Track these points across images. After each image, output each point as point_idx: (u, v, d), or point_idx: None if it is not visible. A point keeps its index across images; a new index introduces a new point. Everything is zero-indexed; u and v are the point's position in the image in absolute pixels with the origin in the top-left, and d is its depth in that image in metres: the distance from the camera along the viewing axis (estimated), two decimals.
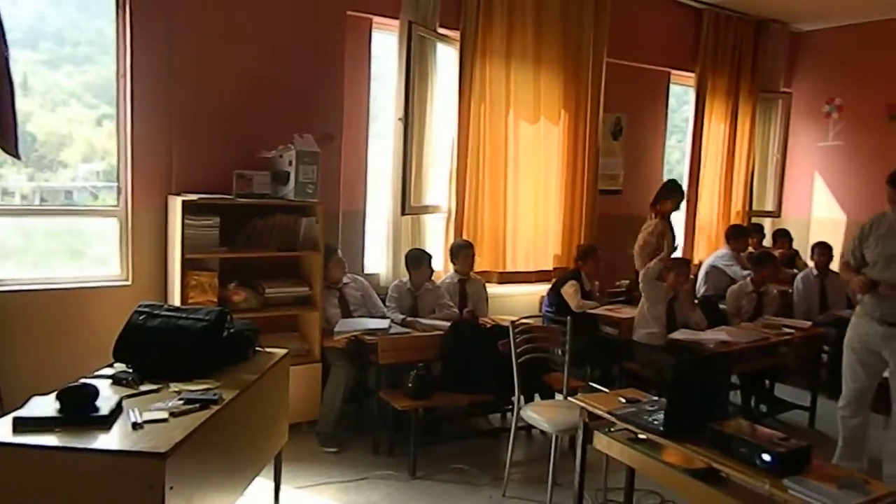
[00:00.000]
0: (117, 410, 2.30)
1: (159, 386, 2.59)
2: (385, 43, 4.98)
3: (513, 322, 3.77)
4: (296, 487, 3.58)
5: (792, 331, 4.82)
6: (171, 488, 2.05)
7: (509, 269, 5.52)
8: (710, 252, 6.54)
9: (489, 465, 3.85)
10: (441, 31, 5.03)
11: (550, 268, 5.73)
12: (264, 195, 4.15)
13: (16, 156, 3.45)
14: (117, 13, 4.02)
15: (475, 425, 4.47)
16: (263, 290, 4.18)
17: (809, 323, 5.03)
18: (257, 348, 3.14)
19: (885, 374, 3.71)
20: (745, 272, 5.56)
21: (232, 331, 2.97)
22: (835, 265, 5.48)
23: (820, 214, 6.98)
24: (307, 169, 4.12)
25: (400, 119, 4.87)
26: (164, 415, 2.30)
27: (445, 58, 5.13)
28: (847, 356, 3.80)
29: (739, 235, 6.12)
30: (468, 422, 4.46)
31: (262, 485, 3.25)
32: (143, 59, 4.02)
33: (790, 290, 5.98)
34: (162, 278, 4.16)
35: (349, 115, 4.72)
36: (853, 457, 3.73)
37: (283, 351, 3.20)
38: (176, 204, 3.92)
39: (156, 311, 2.86)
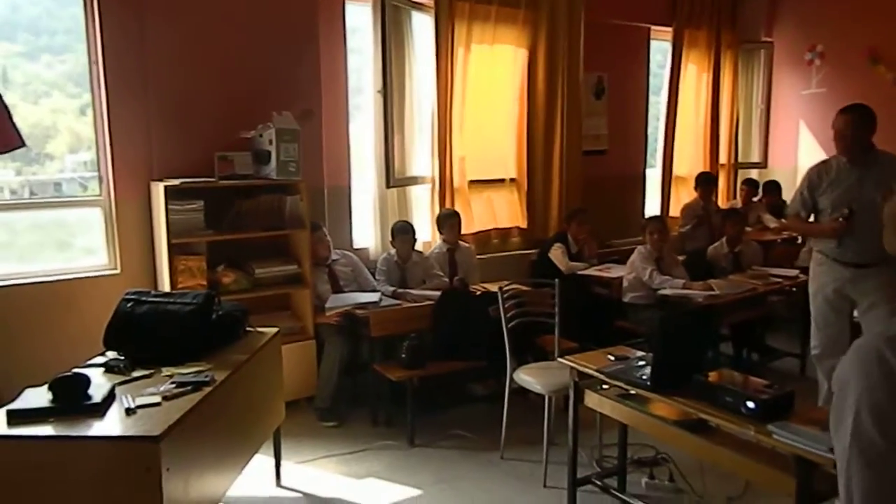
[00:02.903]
0: (110, 397, 2.33)
1: (151, 371, 2.62)
2: (360, 15, 4.92)
3: (501, 288, 3.80)
4: (297, 462, 3.63)
5: (779, 280, 4.86)
6: (168, 470, 2.08)
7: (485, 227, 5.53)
8: None
9: (486, 429, 3.91)
10: None
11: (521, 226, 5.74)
12: (247, 176, 4.14)
13: (21, 143, 3.40)
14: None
15: (472, 392, 4.52)
16: (253, 270, 4.20)
17: (797, 271, 5.07)
18: (248, 328, 3.17)
19: (855, 314, 3.75)
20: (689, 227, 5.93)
21: (221, 313, 2.99)
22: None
23: (806, 163, 6.95)
24: (288, 147, 4.10)
25: (379, 91, 4.84)
26: (157, 399, 2.33)
27: (421, 26, 5.08)
28: (815, 304, 3.82)
29: (706, 183, 6.18)
30: (464, 389, 4.51)
31: (263, 461, 3.32)
32: (114, 45, 3.97)
33: (778, 240, 6.02)
34: (150, 265, 4.17)
35: (328, 90, 4.68)
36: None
37: (274, 330, 3.23)
38: (158, 190, 3.91)
39: (143, 298, 2.88)
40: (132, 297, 2.90)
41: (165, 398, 2.35)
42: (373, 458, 3.72)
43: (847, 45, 6.44)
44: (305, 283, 4.30)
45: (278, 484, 3.40)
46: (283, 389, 3.40)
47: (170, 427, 2.13)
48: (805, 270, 5.11)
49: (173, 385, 2.45)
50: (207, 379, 2.51)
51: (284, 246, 4.40)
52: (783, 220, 6.49)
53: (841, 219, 3.54)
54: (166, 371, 2.60)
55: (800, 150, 7.04)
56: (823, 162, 3.74)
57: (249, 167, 4.16)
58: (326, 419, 4.12)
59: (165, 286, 3.93)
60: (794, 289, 4.93)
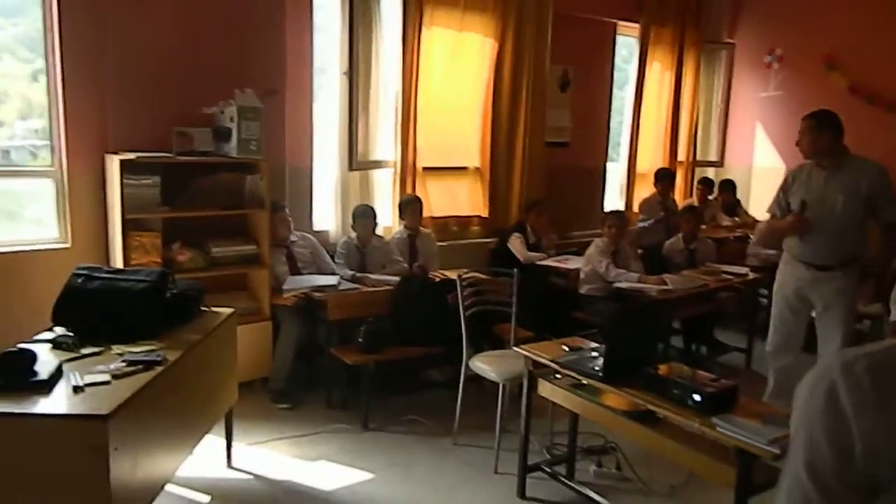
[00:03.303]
0: (57, 374, 2.27)
1: (101, 349, 2.56)
2: None
3: (460, 276, 3.82)
4: (248, 444, 3.61)
5: (730, 276, 4.99)
6: (116, 449, 2.05)
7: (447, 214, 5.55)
8: None
9: (440, 415, 3.94)
10: None
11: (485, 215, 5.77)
12: (206, 152, 4.06)
13: None
14: None
15: (428, 378, 4.54)
16: (209, 249, 4.13)
17: (747, 269, 5.21)
18: (203, 308, 3.12)
19: (813, 314, 3.87)
20: (651, 221, 6.04)
21: (175, 291, 2.94)
22: None
23: (761, 163, 7.16)
24: (250, 125, 4.04)
25: (345, 73, 4.80)
26: (107, 377, 2.29)
27: (390, 9, 5.03)
28: (776, 302, 3.95)
29: (665, 179, 6.35)
30: (420, 374, 4.53)
31: (215, 442, 3.29)
32: (71, 10, 3.84)
33: (730, 238, 6.18)
34: (103, 240, 4.07)
35: (292, 69, 4.61)
36: (783, 395, 3.92)
37: (230, 310, 3.20)
38: (113, 163, 3.81)
39: (95, 274, 2.82)
40: (83, 272, 2.83)
41: (115, 377, 2.30)
42: (325, 441, 3.72)
43: (805, 51, 6.61)
44: (263, 263, 4.25)
45: (229, 465, 3.38)
46: (237, 370, 3.37)
47: (119, 406, 2.09)
48: (755, 269, 5.30)
49: (124, 363, 2.41)
50: (159, 358, 2.47)
51: (243, 225, 4.34)
52: (735, 219, 6.69)
53: (796, 213, 3.63)
54: (117, 349, 2.55)
55: (755, 150, 7.22)
56: (801, 164, 3.81)
57: (209, 144, 4.08)
58: (280, 401, 4.10)
59: (118, 262, 3.85)
60: (743, 286, 5.07)
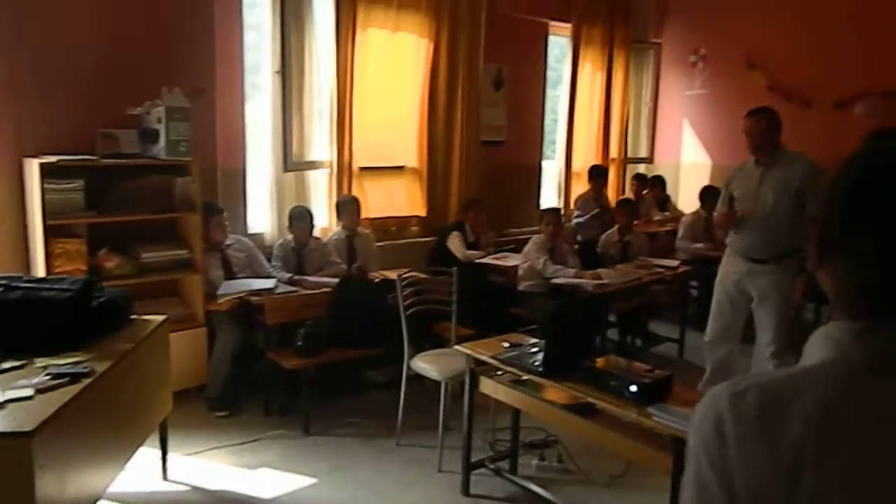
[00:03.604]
0: None
1: (23, 362, 2.44)
2: None
3: (399, 275, 3.81)
4: (185, 455, 3.50)
5: (662, 270, 5.14)
6: (42, 467, 1.96)
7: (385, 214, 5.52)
8: None
9: (382, 416, 3.91)
10: None
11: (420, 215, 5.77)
12: (133, 155, 3.92)
13: None
14: None
15: (369, 379, 4.51)
16: (139, 254, 3.98)
17: (678, 262, 5.38)
18: (133, 316, 3.01)
19: (752, 305, 4.00)
20: (586, 217, 6.18)
21: (102, 300, 2.83)
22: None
23: (688, 160, 7.41)
24: (178, 126, 3.92)
25: (277, 72, 4.71)
26: (30, 392, 2.19)
27: (322, 7, 4.96)
28: (717, 293, 4.06)
29: (598, 175, 6.51)
30: (360, 376, 4.49)
31: (149, 455, 3.18)
32: None
33: (661, 232, 6.37)
34: (23, 248, 3.87)
35: (222, 68, 4.49)
36: (716, 384, 4.03)
37: (161, 317, 3.09)
38: (32, 167, 3.63)
39: (14, 284, 2.68)
40: (2, 282, 2.69)
41: (39, 391, 2.20)
42: (266, 448, 3.64)
43: (727, 51, 6.86)
44: (196, 268, 4.13)
45: (165, 477, 3.27)
46: (171, 379, 3.26)
47: (44, 422, 1.99)
48: (684, 262, 5.47)
49: (48, 377, 2.30)
50: (86, 370, 2.37)
51: (173, 229, 4.20)
52: (666, 214, 6.90)
53: (727, 208, 3.76)
54: (41, 362, 2.43)
55: (683, 147, 7.46)
56: (742, 163, 3.92)
57: (136, 146, 3.94)
58: (217, 409, 3.99)
59: (40, 271, 3.67)
60: (674, 279, 5.23)
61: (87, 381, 2.31)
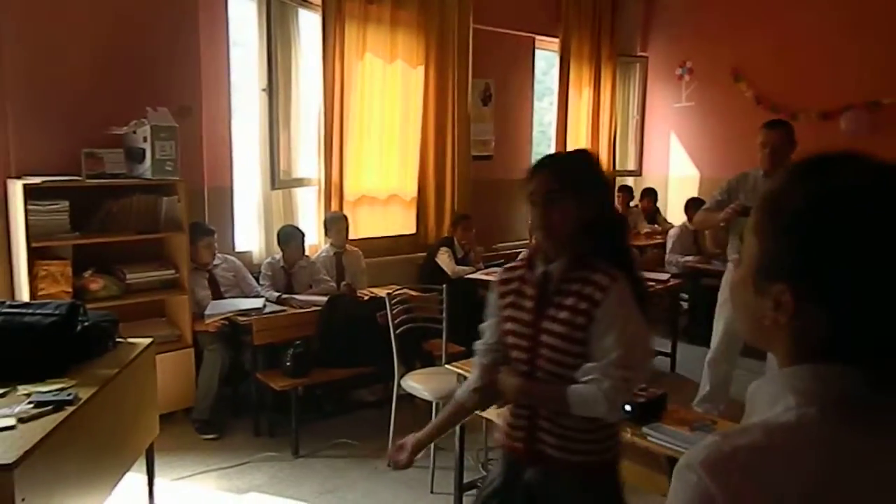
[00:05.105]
0: None
1: (6, 390, 2.38)
2: (244, 10, 4.74)
3: (389, 293, 3.78)
4: (173, 479, 3.44)
5: (652, 283, 5.12)
6: (24, 500, 1.90)
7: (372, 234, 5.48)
8: None
9: (373, 436, 3.87)
10: None
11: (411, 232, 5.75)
12: (118, 175, 3.89)
13: None
14: None
15: (358, 398, 4.46)
16: (124, 275, 3.94)
17: (668, 275, 5.38)
18: (118, 339, 2.95)
19: None
20: None
21: (87, 323, 2.77)
22: None
23: (676, 172, 7.43)
24: (164, 145, 3.89)
25: (264, 89, 4.69)
26: (12, 421, 2.12)
27: (308, 24, 4.96)
28: (722, 313, 3.93)
29: None
30: (351, 395, 4.45)
31: (135, 480, 3.11)
32: None
33: (650, 245, 6.38)
34: (6, 270, 3.81)
35: (209, 86, 4.47)
36: (715, 401, 3.97)
37: (147, 340, 3.04)
38: (16, 188, 3.59)
39: None
40: None
41: (21, 420, 2.14)
42: (255, 471, 3.58)
43: (713, 63, 6.91)
44: (183, 288, 4.08)
45: (151, 503, 3.21)
46: (157, 403, 3.20)
47: (26, 453, 1.94)
48: (675, 276, 5.47)
49: (31, 405, 2.24)
50: (70, 397, 2.31)
51: (160, 250, 4.16)
52: (655, 226, 6.91)
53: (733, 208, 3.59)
54: (23, 390, 2.37)
55: (671, 159, 7.49)
56: (744, 174, 3.81)
57: (122, 165, 3.91)
58: (205, 431, 3.93)
59: (24, 294, 3.61)
60: (665, 292, 5.22)
61: (71, 408, 2.26)
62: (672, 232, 6.12)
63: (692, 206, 5.78)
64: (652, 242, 6.49)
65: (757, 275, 0.75)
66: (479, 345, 1.95)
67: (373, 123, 5.34)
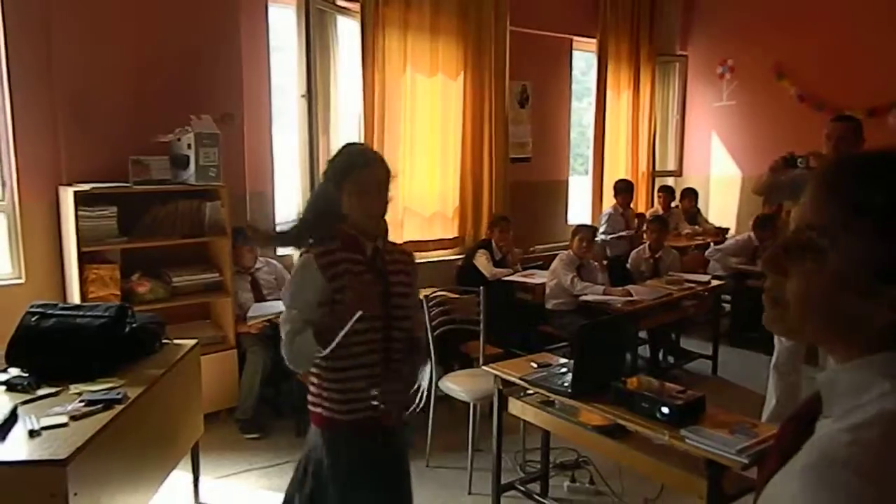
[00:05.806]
0: (12, 418, 2.20)
1: (58, 389, 2.48)
2: (283, 16, 4.83)
3: (427, 295, 3.80)
4: (217, 477, 3.52)
5: (693, 285, 5.06)
6: (76, 494, 1.99)
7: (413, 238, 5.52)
8: None
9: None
10: (340, 3, 4.92)
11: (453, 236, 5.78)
12: (164, 181, 4.00)
13: None
14: None
15: None
16: (170, 279, 4.05)
17: (709, 276, 5.30)
18: (164, 340, 3.05)
19: None
20: (620, 232, 6.07)
21: (135, 325, 2.87)
22: None
23: (718, 172, 7.32)
24: (207, 151, 3.99)
25: (303, 95, 4.77)
26: (64, 419, 2.22)
27: (347, 31, 5.03)
28: None
29: (625, 190, 6.42)
30: None
31: (181, 478, 3.20)
32: (16, 36, 3.75)
33: (692, 246, 6.29)
34: (59, 274, 3.96)
35: (250, 93, 4.57)
36: (784, 415, 3.80)
37: (192, 341, 3.13)
38: (68, 195, 3.72)
39: (49, 311, 2.74)
40: (38, 309, 2.75)
41: (73, 418, 2.23)
42: None
43: (755, 61, 6.78)
44: (226, 291, 4.18)
45: (196, 501, 3.29)
46: (201, 403, 3.29)
47: (78, 449, 2.02)
48: (719, 277, 5.38)
49: (82, 404, 2.33)
50: (119, 396, 2.40)
51: (204, 253, 4.26)
52: (696, 227, 6.80)
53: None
54: (75, 388, 2.48)
55: (712, 159, 7.37)
56: (801, 173, 3.56)
57: (167, 172, 4.02)
58: (248, 431, 4.01)
59: (75, 296, 3.75)
60: (705, 293, 5.14)
61: (119, 407, 2.35)
62: (738, 238, 5.97)
63: (760, 222, 5.67)
64: (693, 243, 6.39)
65: (874, 277, 0.73)
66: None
67: (416, 140, 5.42)
